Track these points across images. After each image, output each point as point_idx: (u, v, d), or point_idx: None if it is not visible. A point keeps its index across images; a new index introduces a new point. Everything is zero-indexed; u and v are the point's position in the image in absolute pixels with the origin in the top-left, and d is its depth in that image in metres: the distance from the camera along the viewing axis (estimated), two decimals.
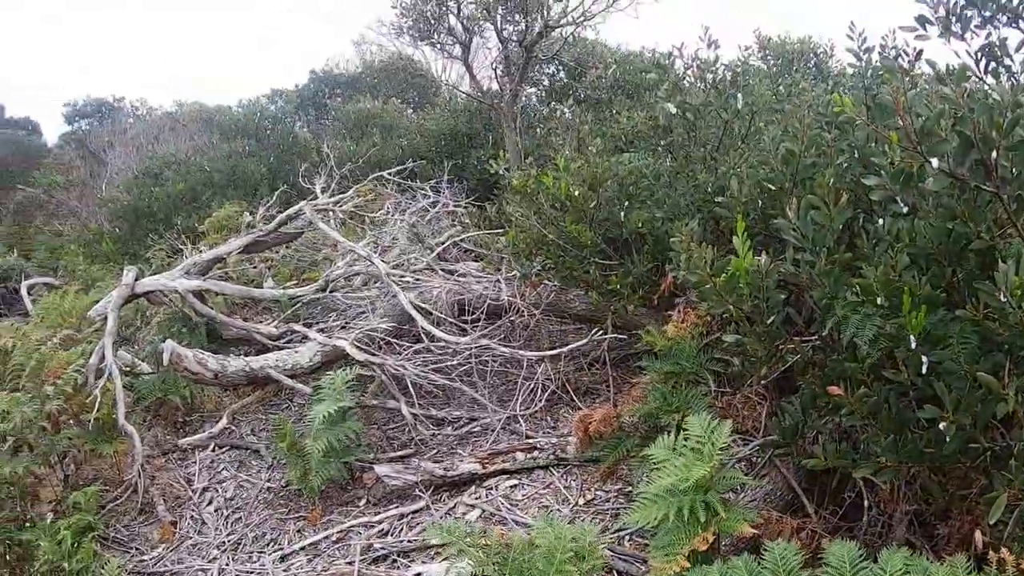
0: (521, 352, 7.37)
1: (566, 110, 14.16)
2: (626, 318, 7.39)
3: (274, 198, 15.76)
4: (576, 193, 7.28)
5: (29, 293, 17.30)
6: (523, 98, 15.78)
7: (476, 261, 10.17)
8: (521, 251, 8.06)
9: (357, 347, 7.15)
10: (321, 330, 7.94)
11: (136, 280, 7.82)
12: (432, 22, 13.58)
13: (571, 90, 16.74)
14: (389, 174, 12.54)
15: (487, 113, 17.56)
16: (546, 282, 8.08)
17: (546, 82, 17.60)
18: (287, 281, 10.45)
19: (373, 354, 7.14)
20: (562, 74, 17.58)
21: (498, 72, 15.13)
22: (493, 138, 17.71)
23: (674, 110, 7.16)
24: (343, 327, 8.04)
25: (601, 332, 7.25)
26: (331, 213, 10.05)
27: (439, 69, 32.73)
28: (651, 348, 5.80)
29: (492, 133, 17.51)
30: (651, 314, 7.12)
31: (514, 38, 14.54)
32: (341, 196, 10.60)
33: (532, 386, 7.69)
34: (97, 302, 11.01)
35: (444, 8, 13.67)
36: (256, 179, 16.90)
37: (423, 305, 7.79)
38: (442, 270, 8.90)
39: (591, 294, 7.27)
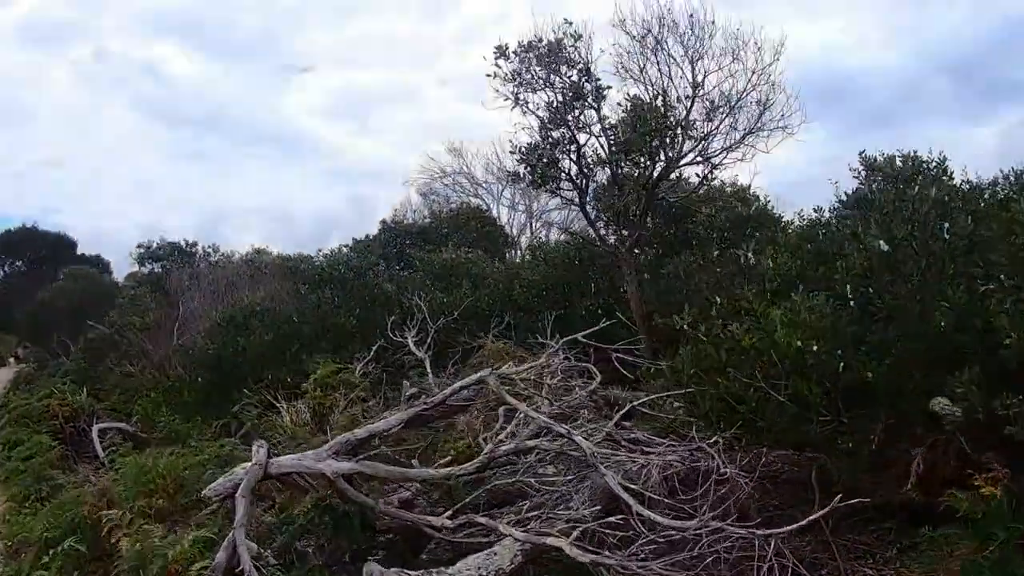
0: (759, 531, 5.97)
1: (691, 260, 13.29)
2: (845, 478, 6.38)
3: (371, 353, 14.86)
4: (799, 345, 6.45)
5: (101, 438, 16.34)
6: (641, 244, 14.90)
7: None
8: (711, 411, 7.18)
9: (578, 545, 5.74)
10: (515, 521, 6.53)
11: (270, 458, 6.59)
12: (549, 166, 12.95)
13: (682, 233, 15.94)
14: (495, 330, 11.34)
15: (592, 261, 16.84)
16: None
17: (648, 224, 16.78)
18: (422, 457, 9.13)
19: (597, 551, 5.70)
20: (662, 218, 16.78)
21: (614, 217, 14.41)
22: (596, 287, 16.85)
23: (885, 247, 6.73)
24: (535, 515, 6.65)
25: (835, 497, 5.86)
26: (515, 382, 8.71)
27: (509, 219, 32.75)
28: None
29: (594, 282, 16.66)
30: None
31: (630, 180, 13.88)
32: (531, 364, 9.27)
33: (768, 567, 6.15)
34: (199, 466, 9.84)
35: (564, 151, 13.09)
36: (347, 332, 16.01)
37: (631, 485, 6.49)
38: (625, 440, 7.60)
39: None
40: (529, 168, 13.21)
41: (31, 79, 61.88)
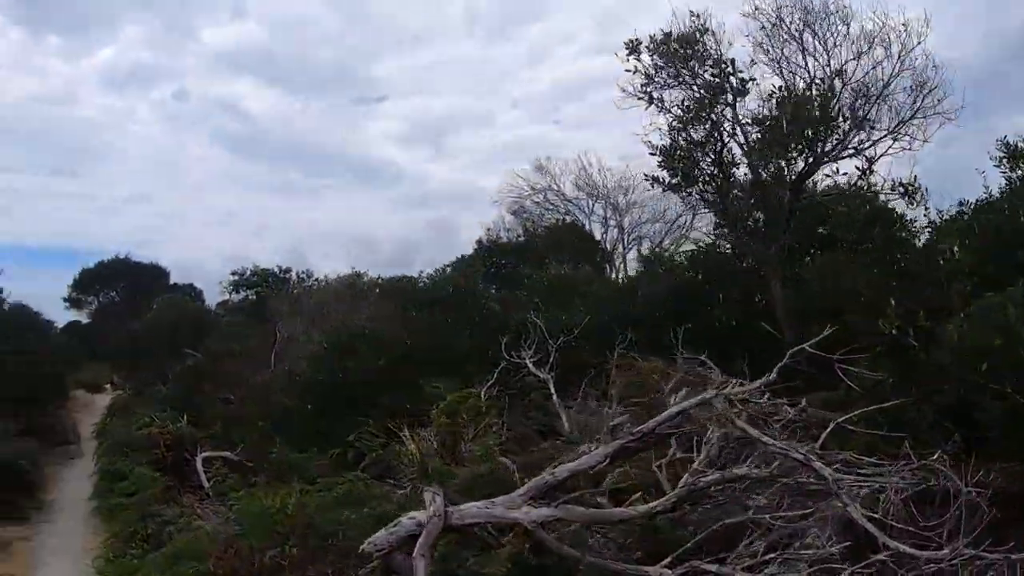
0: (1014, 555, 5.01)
1: None
2: None
3: (494, 376, 13.79)
4: None
5: (206, 468, 15.61)
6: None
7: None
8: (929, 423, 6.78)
9: None
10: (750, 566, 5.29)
11: (448, 506, 5.45)
12: (691, 166, 11.69)
13: (823, 233, 14.42)
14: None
15: (720, 268, 15.43)
16: None
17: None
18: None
19: None
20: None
21: (754, 220, 13.03)
22: (723, 296, 15.43)
23: None
24: (774, 556, 5.39)
25: None
26: (742, 406, 7.30)
27: (603, 235, 31.42)
28: None
29: (726, 291, 15.26)
30: None
31: (775, 178, 12.51)
32: (756, 383, 7.82)
33: None
34: (333, 507, 8.68)
35: (703, 151, 11.82)
36: (461, 353, 14.96)
37: (871, 514, 5.26)
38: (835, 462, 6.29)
39: None
40: (670, 171, 11.94)
41: (115, 122, 64.30)
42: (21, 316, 24.35)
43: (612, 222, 30.94)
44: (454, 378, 14.30)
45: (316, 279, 29.40)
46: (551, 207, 31.49)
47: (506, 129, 55.42)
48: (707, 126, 12.03)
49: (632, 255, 28.33)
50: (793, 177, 12.37)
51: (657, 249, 20.89)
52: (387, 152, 61.29)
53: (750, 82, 12.20)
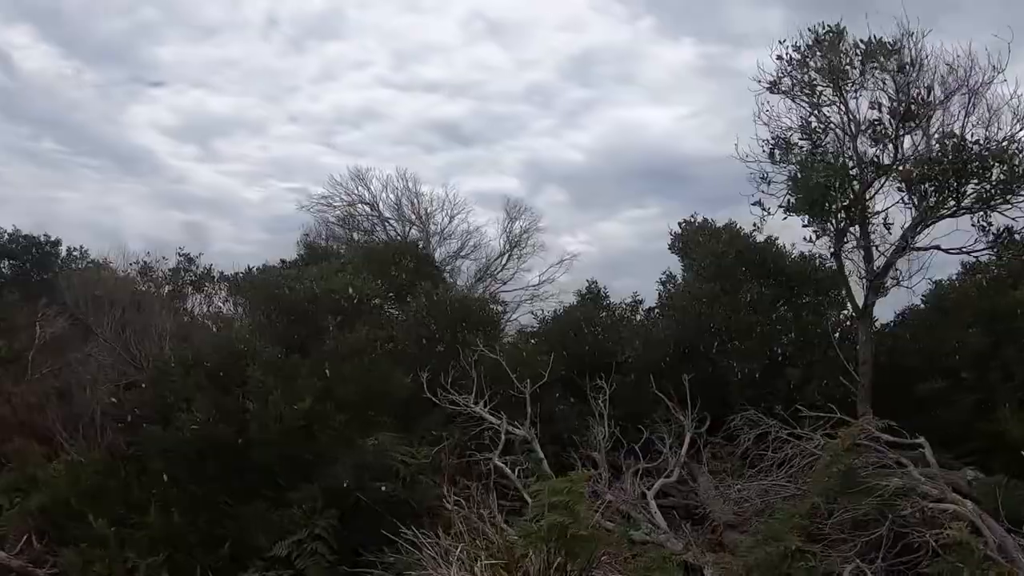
0: None
1: None
2: None
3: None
4: None
5: None
6: None
7: None
8: None
9: None
10: None
11: None
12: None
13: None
14: None
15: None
16: None
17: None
18: None
19: None
20: None
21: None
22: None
23: None
24: None
25: None
26: None
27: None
28: None
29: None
30: None
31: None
32: None
33: None
34: None
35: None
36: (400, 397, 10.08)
37: None
38: None
39: None
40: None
41: None
42: None
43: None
44: (395, 432, 9.52)
45: (95, 260, 21.82)
46: (367, 220, 27.67)
47: (279, 143, 49.46)
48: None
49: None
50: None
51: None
52: (150, 141, 52.18)
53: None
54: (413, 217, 28.56)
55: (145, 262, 19.16)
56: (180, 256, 19.15)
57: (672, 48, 52.28)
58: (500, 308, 17.81)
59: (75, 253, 21.08)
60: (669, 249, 14.54)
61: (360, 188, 28.10)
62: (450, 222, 27.30)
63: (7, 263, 19.79)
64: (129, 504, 8.91)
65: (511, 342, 13.79)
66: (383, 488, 8.34)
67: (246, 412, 9.12)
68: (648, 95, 44.75)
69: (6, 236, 20.17)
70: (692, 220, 14.32)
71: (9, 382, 14.16)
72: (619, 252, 31.52)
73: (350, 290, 12.27)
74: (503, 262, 25.96)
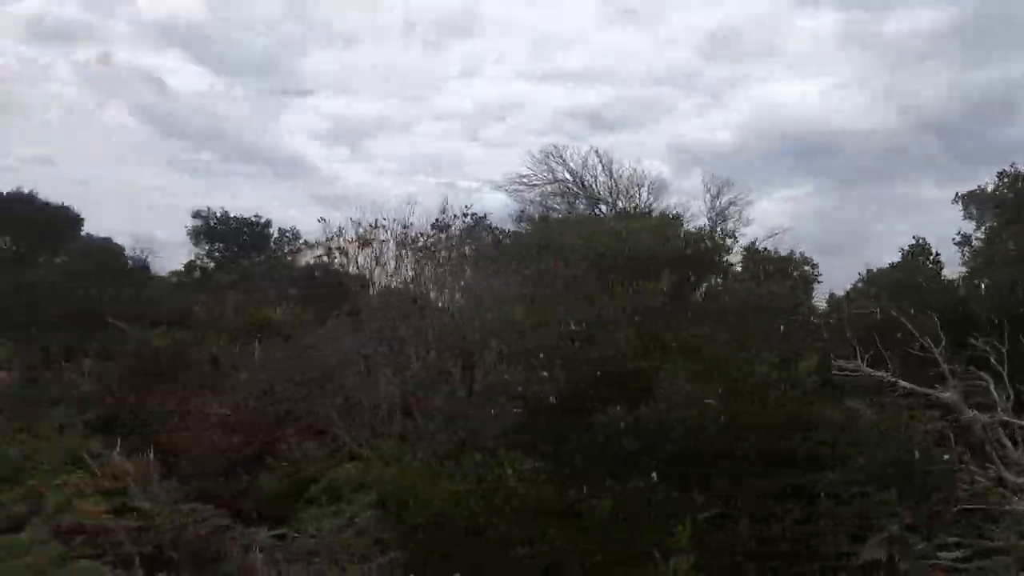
0: None
1: None
2: None
3: None
4: None
5: None
6: None
7: None
8: None
9: None
10: None
11: None
12: None
13: None
14: None
15: None
16: None
17: None
18: None
19: None
20: None
21: None
22: None
23: None
24: None
25: None
26: None
27: None
28: None
29: None
30: None
31: None
32: None
33: None
34: None
35: None
36: None
37: None
38: None
39: None
40: None
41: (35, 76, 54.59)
42: None
43: None
44: None
45: (304, 241, 21.20)
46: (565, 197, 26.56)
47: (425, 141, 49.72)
48: None
49: None
50: None
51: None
52: (302, 146, 54.17)
53: None
54: (617, 192, 27.14)
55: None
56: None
57: (812, 16, 47.82)
58: None
59: (287, 235, 20.32)
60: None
61: (557, 166, 27.48)
62: (653, 200, 26.85)
63: (218, 246, 19.09)
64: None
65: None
66: None
67: None
68: (791, 68, 40.78)
69: (215, 219, 19.55)
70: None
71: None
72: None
73: None
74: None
